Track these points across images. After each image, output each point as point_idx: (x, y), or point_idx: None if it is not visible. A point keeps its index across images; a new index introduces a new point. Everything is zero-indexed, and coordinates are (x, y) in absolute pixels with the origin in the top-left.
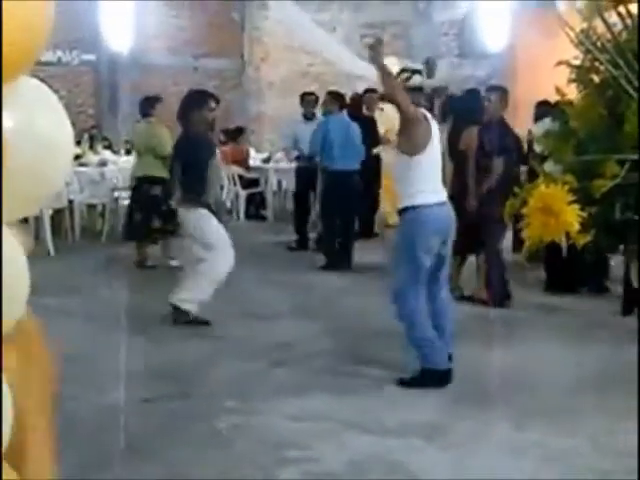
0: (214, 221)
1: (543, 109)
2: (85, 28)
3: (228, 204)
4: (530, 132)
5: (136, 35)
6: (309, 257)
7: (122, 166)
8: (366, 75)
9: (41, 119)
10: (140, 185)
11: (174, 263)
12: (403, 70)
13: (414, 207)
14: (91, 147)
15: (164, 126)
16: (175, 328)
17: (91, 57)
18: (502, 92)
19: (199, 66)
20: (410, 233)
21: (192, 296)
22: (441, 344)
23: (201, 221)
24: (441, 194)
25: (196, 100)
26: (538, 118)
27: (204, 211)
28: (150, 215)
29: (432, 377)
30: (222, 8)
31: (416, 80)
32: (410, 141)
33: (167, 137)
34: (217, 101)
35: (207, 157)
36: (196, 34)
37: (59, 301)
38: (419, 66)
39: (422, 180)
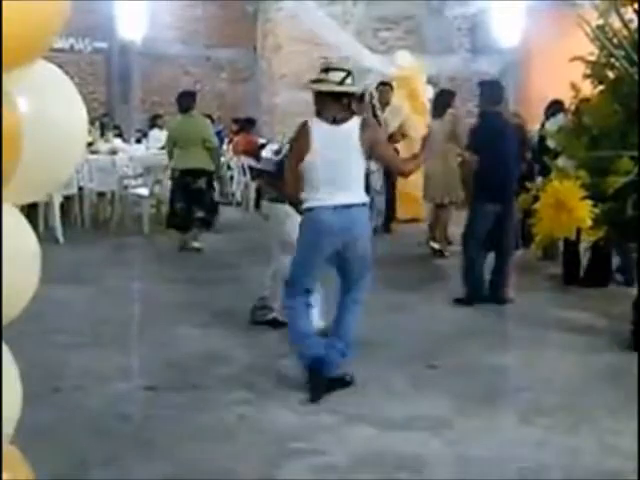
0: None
1: (555, 107)
2: (98, 16)
3: (238, 195)
4: (542, 128)
5: (149, 24)
6: None
7: (132, 154)
8: (377, 69)
9: (56, 104)
10: (183, 177)
11: (196, 245)
12: (327, 69)
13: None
14: (102, 135)
15: (206, 119)
16: (182, 318)
17: (103, 45)
18: (488, 85)
19: (211, 56)
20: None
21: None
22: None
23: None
24: (339, 197)
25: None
26: (550, 116)
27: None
28: (193, 206)
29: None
30: None
31: (335, 77)
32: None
33: (211, 129)
34: None
35: None
36: (209, 24)
37: (67, 288)
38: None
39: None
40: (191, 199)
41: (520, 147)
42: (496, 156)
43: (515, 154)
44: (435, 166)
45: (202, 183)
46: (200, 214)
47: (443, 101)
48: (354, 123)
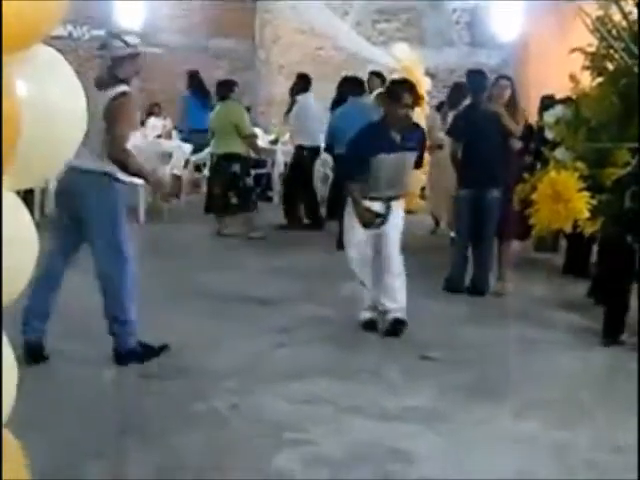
0: (355, 223)
1: (547, 102)
2: (96, 4)
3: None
4: (539, 120)
5: (147, 13)
6: (315, 239)
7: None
8: (376, 60)
9: (54, 88)
10: (219, 162)
11: (255, 235)
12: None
13: None
14: None
15: (242, 107)
16: (176, 306)
17: (101, 33)
18: (470, 75)
19: (210, 47)
20: None
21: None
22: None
23: (346, 218)
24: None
25: (391, 93)
26: (542, 111)
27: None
28: (228, 191)
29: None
30: None
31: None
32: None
33: (246, 117)
34: (414, 95)
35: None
36: (208, 15)
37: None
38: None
39: None
40: (226, 184)
41: (501, 136)
42: (470, 144)
43: (493, 143)
44: (444, 157)
45: (236, 167)
46: (234, 200)
47: (459, 94)
48: (114, 92)
